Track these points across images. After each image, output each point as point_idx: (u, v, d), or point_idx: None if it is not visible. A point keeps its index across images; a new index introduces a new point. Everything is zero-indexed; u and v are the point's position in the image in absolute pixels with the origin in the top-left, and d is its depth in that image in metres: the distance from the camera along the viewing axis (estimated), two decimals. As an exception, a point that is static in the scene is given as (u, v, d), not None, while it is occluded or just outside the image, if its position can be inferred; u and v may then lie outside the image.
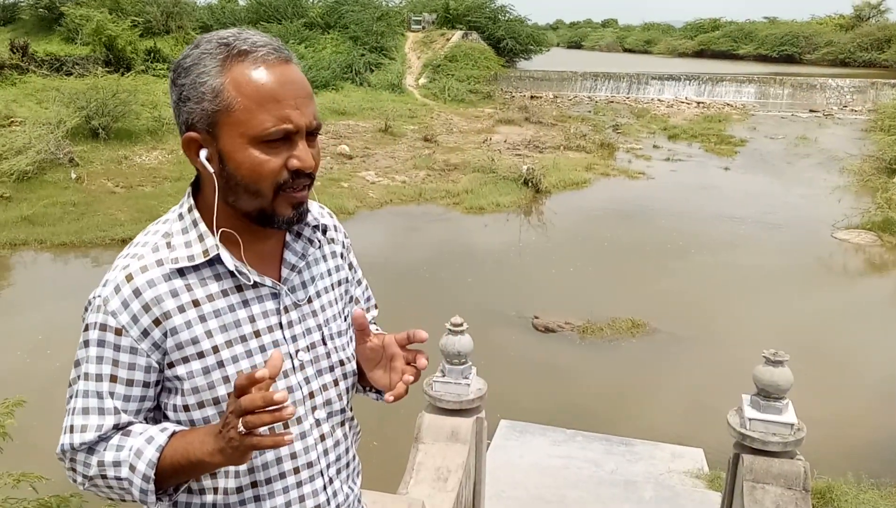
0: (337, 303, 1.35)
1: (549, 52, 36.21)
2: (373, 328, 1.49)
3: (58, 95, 14.43)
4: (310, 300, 1.29)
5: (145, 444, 1.15)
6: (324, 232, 1.35)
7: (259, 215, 1.17)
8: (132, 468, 1.15)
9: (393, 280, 8.97)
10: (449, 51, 25.45)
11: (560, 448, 5.31)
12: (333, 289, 1.35)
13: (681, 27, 56.86)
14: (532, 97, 24.25)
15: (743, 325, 7.62)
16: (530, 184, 12.96)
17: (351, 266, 1.44)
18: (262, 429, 1.04)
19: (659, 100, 24.88)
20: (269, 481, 1.26)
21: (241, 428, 1.02)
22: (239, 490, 1.25)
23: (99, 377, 1.18)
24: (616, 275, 9.18)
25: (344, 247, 1.41)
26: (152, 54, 20.40)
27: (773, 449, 2.80)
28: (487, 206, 12.09)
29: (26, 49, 18.78)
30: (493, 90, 23.90)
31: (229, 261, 1.18)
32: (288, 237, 1.28)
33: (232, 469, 1.22)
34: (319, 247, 1.34)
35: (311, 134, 1.16)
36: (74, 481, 1.23)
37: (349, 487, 1.39)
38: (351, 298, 1.44)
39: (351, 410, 1.40)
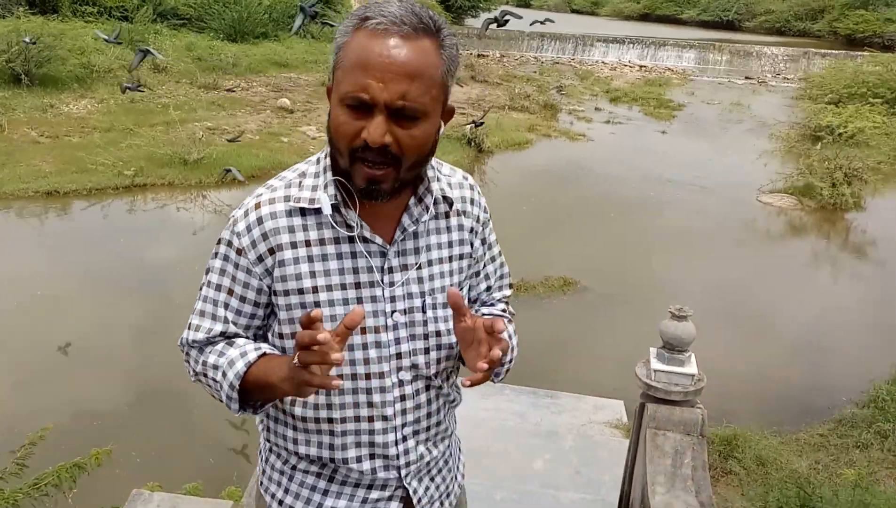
0: (451, 276, 1.38)
1: (497, 10, 35.93)
2: (500, 307, 1.55)
3: (-24, 37, 13.69)
4: (419, 267, 1.34)
5: (238, 357, 1.27)
6: (450, 205, 1.38)
7: (345, 176, 1.25)
8: (224, 374, 1.28)
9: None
10: (394, 5, 24.98)
11: (488, 401, 5.48)
12: (450, 262, 1.39)
13: (628, -11, 56.97)
14: (479, 56, 24.11)
15: (670, 284, 7.90)
16: (473, 143, 13.00)
17: (484, 241, 1.48)
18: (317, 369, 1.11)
19: (603, 62, 25.07)
20: (343, 420, 1.36)
21: (295, 360, 1.10)
22: (316, 420, 1.36)
23: (218, 288, 1.33)
24: (552, 234, 9.37)
25: (479, 221, 1.45)
26: (82, -3, 19.45)
27: (675, 398, 2.98)
28: (429, 164, 12.11)
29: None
30: (438, 47, 23.67)
31: (346, 212, 1.27)
32: (410, 202, 1.33)
33: (310, 401, 1.34)
34: (444, 218, 1.38)
35: (402, 115, 1.17)
36: (189, 372, 1.39)
37: (427, 448, 1.45)
38: (477, 273, 1.49)
39: (446, 381, 1.45)
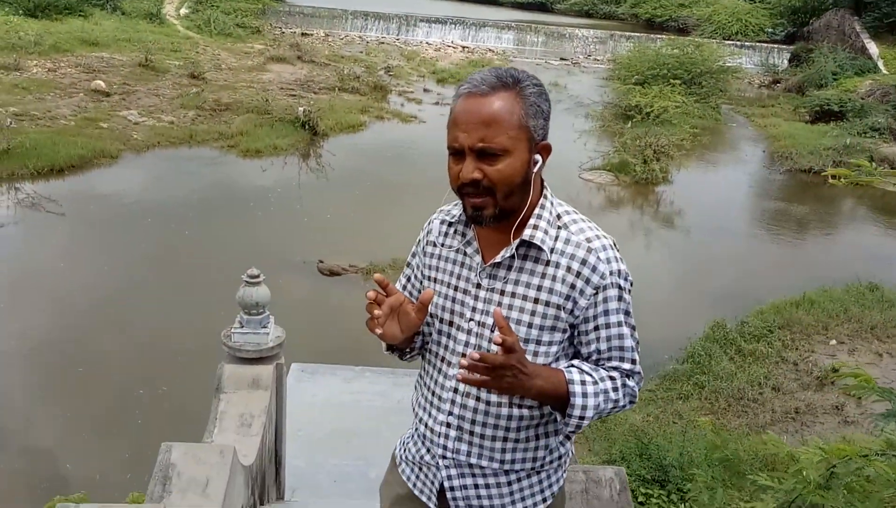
0: (532, 315, 1.58)
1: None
2: (604, 373, 1.59)
3: None
4: (502, 293, 1.60)
5: None
6: (538, 252, 1.57)
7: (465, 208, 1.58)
8: None
9: (171, 230, 8.63)
10: (212, -21, 23.86)
11: (351, 384, 5.62)
12: (535, 303, 1.57)
13: (446, -31, 58.03)
14: (303, 34, 23.68)
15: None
16: (307, 126, 12.88)
17: (595, 305, 1.56)
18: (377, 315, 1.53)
19: (427, 43, 25.53)
20: (424, 383, 1.76)
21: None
22: (420, 376, 1.79)
23: (408, 264, 1.84)
24: (395, 217, 9.59)
25: (588, 283, 1.55)
26: None
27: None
28: (265, 149, 11.86)
29: None
30: (262, 25, 22.95)
31: (463, 230, 1.67)
32: (514, 239, 1.58)
33: (425, 358, 1.76)
34: (543, 264, 1.57)
35: (485, 154, 1.49)
36: None
37: (469, 449, 1.67)
38: (586, 333, 1.59)
39: (503, 405, 1.63)
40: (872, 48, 20.37)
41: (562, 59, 25.09)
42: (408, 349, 1.75)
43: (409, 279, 1.83)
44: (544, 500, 1.74)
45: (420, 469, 1.78)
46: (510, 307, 1.59)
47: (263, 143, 11.98)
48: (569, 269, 1.56)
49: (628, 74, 18.53)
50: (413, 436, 1.82)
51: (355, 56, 21.11)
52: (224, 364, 3.55)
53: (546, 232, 1.58)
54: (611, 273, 1.57)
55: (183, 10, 22.07)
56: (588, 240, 1.58)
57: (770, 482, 1.62)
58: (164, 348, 6.22)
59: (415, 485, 1.80)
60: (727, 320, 6.84)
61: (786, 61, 23.53)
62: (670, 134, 12.92)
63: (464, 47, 25.45)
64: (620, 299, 1.59)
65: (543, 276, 1.57)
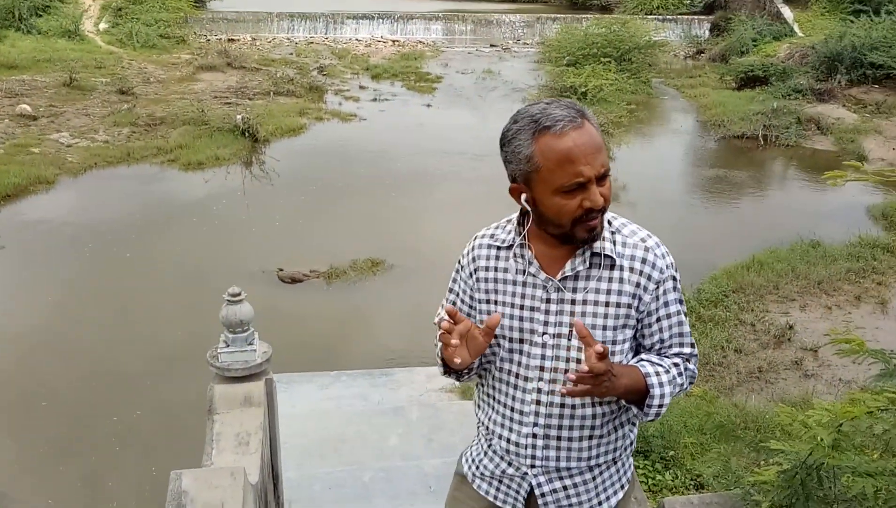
0: (605, 318, 1.70)
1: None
2: (669, 361, 1.73)
3: None
4: (573, 303, 1.69)
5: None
6: (612, 261, 1.68)
7: (561, 236, 1.67)
8: (438, 346, 1.75)
9: (113, 253, 8.44)
10: (128, -10, 23.12)
11: (328, 390, 5.64)
12: (607, 307, 1.69)
13: (366, -38, 57.55)
14: (230, 40, 23.21)
15: (461, 248, 8.49)
16: (247, 134, 12.70)
17: (658, 298, 1.71)
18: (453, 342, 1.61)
19: (357, 39, 25.33)
20: (497, 400, 1.83)
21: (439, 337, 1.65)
22: (488, 394, 1.87)
23: (450, 290, 1.92)
24: (349, 217, 9.58)
25: (650, 279, 1.69)
26: None
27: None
28: (206, 160, 11.63)
29: None
30: (186, 34, 22.39)
31: (522, 252, 1.73)
32: (577, 252, 1.68)
33: (493, 374, 1.82)
34: (608, 269, 1.67)
35: (602, 177, 1.59)
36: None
37: (557, 455, 1.77)
38: (650, 325, 1.73)
39: (586, 406, 1.73)
40: (787, 12, 21.15)
41: (492, 45, 25.21)
42: (465, 371, 1.82)
43: (454, 305, 1.90)
44: (622, 487, 1.87)
45: (501, 482, 1.86)
46: (583, 314, 1.70)
47: (204, 154, 11.76)
48: (632, 269, 1.69)
49: (559, 55, 18.76)
50: (486, 452, 1.88)
51: (286, 58, 20.81)
52: (214, 385, 3.54)
53: (606, 239, 1.70)
54: (667, 267, 1.72)
55: (102, 25, 21.36)
56: (642, 240, 1.73)
57: (781, 446, 1.75)
58: (114, 374, 6.14)
59: (496, 497, 1.87)
60: (684, 288, 7.08)
61: (707, 31, 24.18)
62: (608, 112, 13.18)
63: (394, 41, 25.36)
64: (675, 289, 1.74)
65: (610, 280, 1.69)
